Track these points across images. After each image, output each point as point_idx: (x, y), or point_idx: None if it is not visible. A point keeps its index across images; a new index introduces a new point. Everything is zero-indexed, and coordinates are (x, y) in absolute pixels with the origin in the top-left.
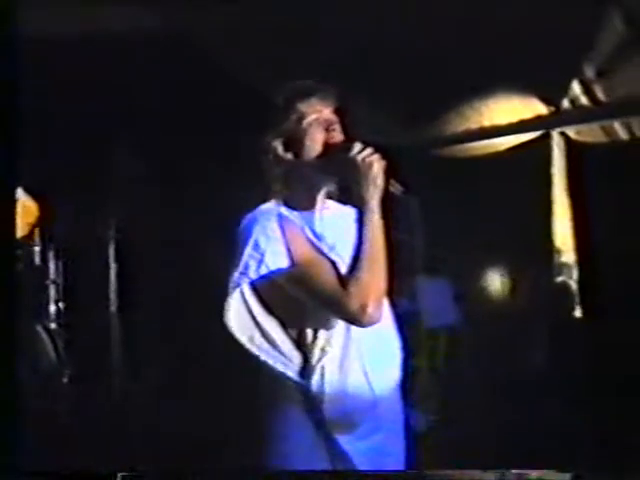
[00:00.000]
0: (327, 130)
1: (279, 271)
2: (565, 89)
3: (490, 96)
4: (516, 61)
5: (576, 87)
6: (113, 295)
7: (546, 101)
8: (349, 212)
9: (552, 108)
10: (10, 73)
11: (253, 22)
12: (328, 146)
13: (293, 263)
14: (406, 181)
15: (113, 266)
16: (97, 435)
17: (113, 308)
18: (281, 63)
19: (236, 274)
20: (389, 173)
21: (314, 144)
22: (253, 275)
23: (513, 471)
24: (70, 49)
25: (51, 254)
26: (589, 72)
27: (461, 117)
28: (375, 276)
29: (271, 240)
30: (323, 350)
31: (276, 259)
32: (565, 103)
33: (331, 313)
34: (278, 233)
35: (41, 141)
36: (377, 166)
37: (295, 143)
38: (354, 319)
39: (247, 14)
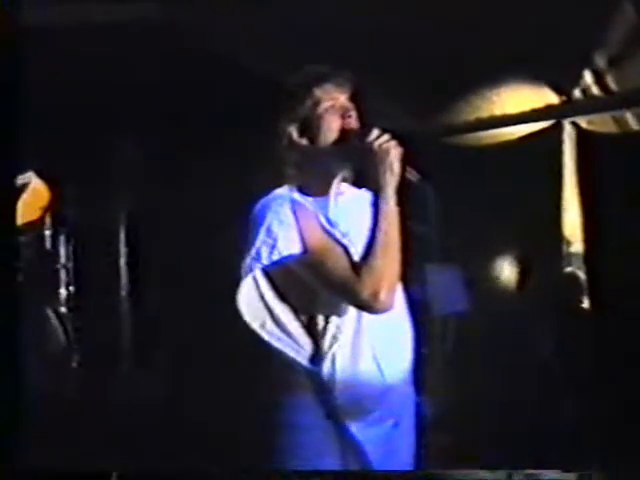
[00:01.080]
0: (343, 117)
1: (291, 257)
2: (577, 79)
3: (501, 85)
4: (528, 50)
5: (588, 77)
6: (124, 280)
7: (557, 90)
8: (364, 196)
9: (563, 98)
10: (21, 59)
11: (265, 7)
12: (344, 132)
13: (306, 249)
14: (417, 169)
15: (124, 251)
16: (98, 433)
17: (124, 293)
18: (293, 50)
19: (248, 259)
20: (406, 160)
21: (329, 130)
22: (265, 261)
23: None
24: (80, 34)
25: (62, 238)
26: (601, 62)
27: (472, 106)
28: (388, 263)
29: (284, 226)
30: (335, 337)
31: (289, 245)
32: (576, 93)
33: (343, 300)
34: (291, 219)
35: (53, 125)
36: (394, 153)
37: (310, 129)
38: (366, 306)
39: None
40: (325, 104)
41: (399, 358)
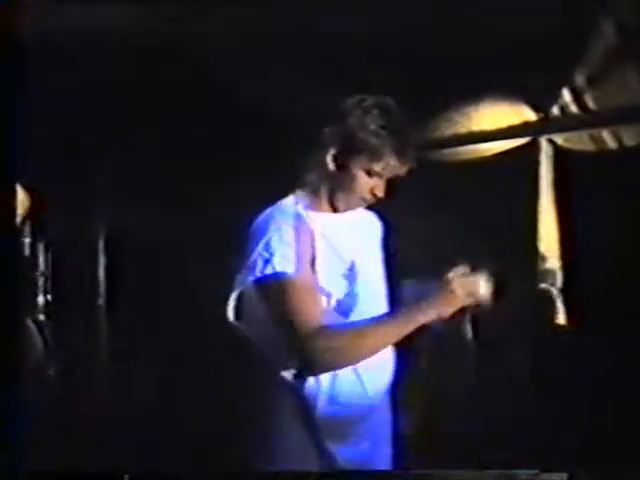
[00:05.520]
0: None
1: (283, 275)
2: (555, 96)
3: (479, 101)
4: (506, 68)
5: (566, 95)
6: (102, 288)
7: (535, 108)
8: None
9: (541, 115)
10: (9, 71)
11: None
12: (371, 189)
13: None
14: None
15: (102, 259)
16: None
17: (101, 301)
18: None
19: (243, 270)
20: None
21: (360, 180)
22: (259, 273)
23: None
24: (70, 47)
25: (41, 246)
26: (580, 80)
27: (449, 121)
28: (364, 348)
29: (283, 243)
30: None
31: (284, 263)
32: (554, 110)
33: (286, 342)
34: (292, 237)
35: (34, 133)
36: (461, 294)
37: (347, 158)
38: (301, 363)
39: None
40: (376, 166)
41: (381, 376)
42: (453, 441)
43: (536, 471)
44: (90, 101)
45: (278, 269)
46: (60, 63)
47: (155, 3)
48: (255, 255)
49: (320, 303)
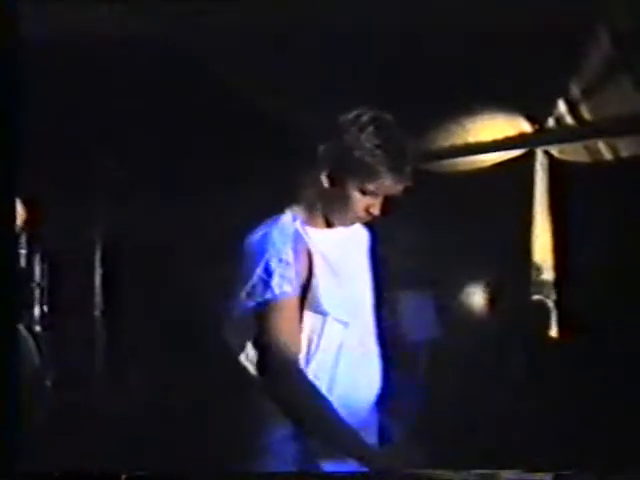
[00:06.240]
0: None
1: (282, 296)
2: (550, 108)
3: (475, 113)
4: (502, 79)
5: (561, 106)
6: (98, 299)
7: (531, 119)
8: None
9: (537, 126)
10: (8, 71)
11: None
12: (366, 208)
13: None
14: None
15: (98, 270)
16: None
17: (97, 312)
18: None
19: (243, 294)
20: None
21: (353, 198)
22: (259, 298)
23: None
24: (64, 55)
25: (37, 257)
26: (575, 91)
27: (446, 133)
28: (305, 420)
29: (283, 264)
30: (316, 377)
31: (283, 284)
32: (550, 122)
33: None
34: (291, 257)
35: (29, 145)
36: None
37: (340, 176)
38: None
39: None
40: (370, 185)
41: (371, 387)
42: (439, 442)
43: (520, 471)
44: (88, 103)
45: (277, 291)
46: (59, 63)
47: (155, 3)
48: (255, 279)
49: (299, 332)
